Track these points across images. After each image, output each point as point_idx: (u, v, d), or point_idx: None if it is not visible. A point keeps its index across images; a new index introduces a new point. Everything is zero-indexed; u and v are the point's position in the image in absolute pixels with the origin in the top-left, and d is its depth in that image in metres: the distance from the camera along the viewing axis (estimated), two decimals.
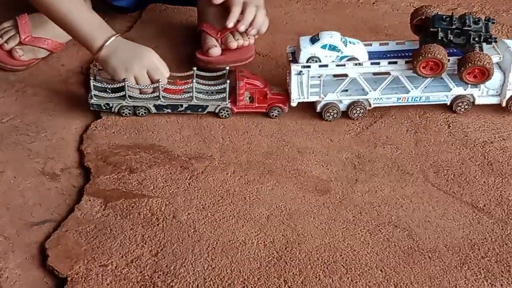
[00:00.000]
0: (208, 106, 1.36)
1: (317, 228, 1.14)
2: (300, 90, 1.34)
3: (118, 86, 1.34)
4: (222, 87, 1.35)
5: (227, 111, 1.36)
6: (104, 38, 1.34)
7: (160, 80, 1.34)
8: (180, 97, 1.36)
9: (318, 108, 1.37)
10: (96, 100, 1.35)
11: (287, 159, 1.28)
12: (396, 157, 1.28)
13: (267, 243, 1.11)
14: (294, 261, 1.08)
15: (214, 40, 1.49)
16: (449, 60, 1.30)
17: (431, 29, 1.30)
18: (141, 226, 1.13)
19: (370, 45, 1.37)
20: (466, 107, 1.36)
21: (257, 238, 1.12)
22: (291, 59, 1.35)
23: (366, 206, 1.18)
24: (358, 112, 1.36)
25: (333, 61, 1.31)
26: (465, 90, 1.35)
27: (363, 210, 1.17)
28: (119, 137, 1.32)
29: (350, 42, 1.33)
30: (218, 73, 1.39)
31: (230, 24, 1.45)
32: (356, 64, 1.32)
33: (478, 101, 1.37)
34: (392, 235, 1.12)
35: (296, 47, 1.35)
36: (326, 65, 1.32)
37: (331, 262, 1.08)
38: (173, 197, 1.19)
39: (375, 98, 1.36)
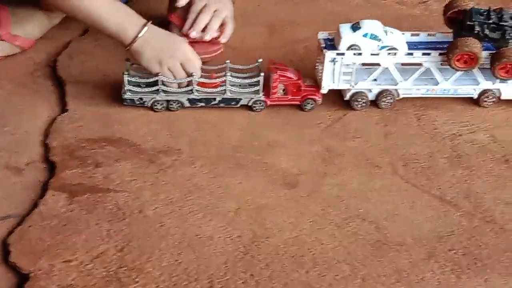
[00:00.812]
0: (241, 99, 1.35)
1: (285, 222, 1.13)
2: (332, 78, 1.34)
3: (151, 80, 1.33)
4: (256, 79, 1.34)
5: (260, 103, 1.35)
6: (137, 29, 1.31)
7: (194, 74, 1.33)
8: (213, 91, 1.35)
9: (347, 96, 1.36)
10: (130, 95, 1.34)
11: (257, 152, 1.27)
12: (366, 150, 1.28)
13: (235, 237, 1.10)
14: (261, 256, 1.07)
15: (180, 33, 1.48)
16: None
17: (468, 23, 1.30)
18: (106, 221, 1.12)
19: (403, 34, 1.37)
20: (493, 100, 1.37)
21: (225, 233, 1.11)
22: (323, 45, 1.34)
23: (334, 200, 1.17)
24: (388, 101, 1.35)
25: (373, 51, 1.31)
26: (493, 84, 1.35)
27: (332, 204, 1.17)
28: (87, 131, 1.30)
29: (390, 32, 1.33)
30: (251, 66, 1.38)
31: (185, 30, 1.43)
32: (389, 54, 1.32)
33: (505, 95, 1.37)
34: (360, 228, 1.12)
35: (335, 33, 1.35)
36: (360, 53, 1.31)
37: (299, 256, 1.07)
38: (140, 192, 1.17)
39: (405, 89, 1.35)
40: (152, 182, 1.20)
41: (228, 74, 1.34)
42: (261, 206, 1.16)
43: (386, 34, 1.32)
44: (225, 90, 1.34)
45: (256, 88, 1.35)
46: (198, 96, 1.35)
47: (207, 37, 1.43)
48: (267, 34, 1.60)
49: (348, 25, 1.34)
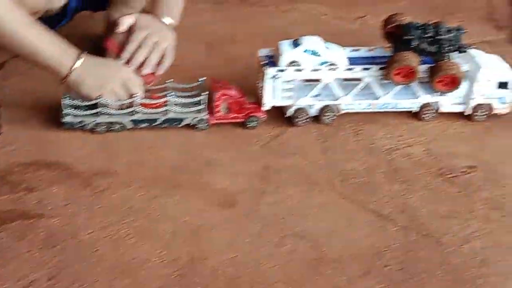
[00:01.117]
0: (185, 118, 1.34)
1: (222, 243, 1.12)
2: (273, 94, 1.33)
3: (92, 102, 1.31)
4: (199, 98, 1.33)
5: (204, 122, 1.34)
6: (72, 61, 1.28)
7: (135, 95, 1.31)
8: (156, 111, 1.33)
9: (288, 113, 1.36)
10: (69, 119, 1.31)
11: (194, 172, 1.26)
12: (304, 167, 1.28)
13: (171, 260, 1.08)
14: (197, 278, 1.06)
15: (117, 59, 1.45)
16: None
17: (405, 37, 1.31)
18: (38, 248, 1.08)
19: (343, 50, 1.37)
20: (433, 115, 1.38)
21: (160, 256, 1.09)
22: (264, 62, 1.34)
23: (272, 218, 1.17)
24: (329, 117, 1.36)
25: (313, 66, 1.32)
26: (432, 97, 1.37)
27: (269, 223, 1.16)
28: (20, 154, 1.27)
29: (330, 47, 1.34)
30: (193, 84, 1.37)
31: (123, 61, 1.40)
32: (330, 69, 1.32)
33: (444, 109, 1.38)
34: (297, 247, 1.12)
35: (274, 50, 1.35)
36: (301, 70, 1.31)
37: (235, 278, 1.06)
38: (74, 216, 1.15)
39: (346, 104, 1.36)
40: (87, 206, 1.17)
41: (171, 94, 1.33)
42: (198, 227, 1.14)
43: (327, 50, 1.33)
44: (167, 110, 1.33)
45: (199, 107, 1.34)
46: (140, 117, 1.33)
47: (144, 72, 1.40)
48: (205, 51, 1.59)
49: (288, 41, 1.34)
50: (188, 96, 1.35)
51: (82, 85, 1.29)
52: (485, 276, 1.07)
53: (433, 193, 1.22)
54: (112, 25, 1.47)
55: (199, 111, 1.34)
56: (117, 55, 1.42)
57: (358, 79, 1.35)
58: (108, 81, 1.30)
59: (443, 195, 1.22)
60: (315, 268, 1.08)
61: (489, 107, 1.38)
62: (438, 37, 1.31)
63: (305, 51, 1.32)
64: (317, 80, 1.34)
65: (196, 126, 1.34)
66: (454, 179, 1.25)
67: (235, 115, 1.35)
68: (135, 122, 1.33)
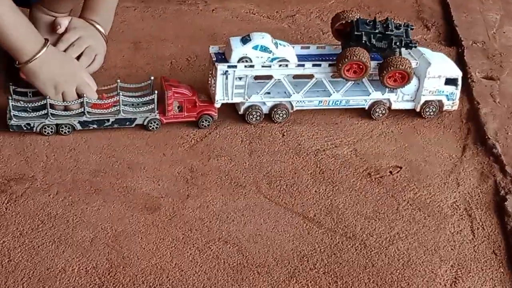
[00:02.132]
0: (136, 119, 1.29)
1: (144, 249, 1.08)
2: (225, 91, 1.31)
3: (39, 104, 1.25)
4: (150, 98, 1.29)
5: (156, 122, 1.30)
6: (37, 47, 1.23)
7: (84, 95, 1.26)
8: (106, 112, 1.28)
9: (242, 110, 1.34)
10: (16, 121, 1.25)
11: (116, 176, 1.22)
12: (230, 169, 1.25)
13: (89, 268, 1.04)
14: (117, 287, 1.02)
15: None
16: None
17: (355, 33, 1.31)
18: None
19: (292, 47, 1.35)
20: (383, 112, 1.38)
21: (79, 264, 1.05)
22: (215, 59, 1.31)
23: (196, 223, 1.14)
24: (281, 115, 1.34)
25: (264, 62, 1.29)
26: (383, 94, 1.37)
27: (193, 227, 1.13)
28: None
29: (280, 44, 1.32)
30: (143, 84, 1.33)
31: None
32: (281, 66, 1.30)
33: (394, 106, 1.39)
34: (221, 251, 1.09)
35: (224, 47, 1.32)
36: (252, 66, 1.29)
37: (157, 285, 1.03)
38: None
39: (298, 101, 1.34)
40: (1, 213, 1.12)
41: (121, 94, 1.28)
42: (119, 234, 1.11)
43: (277, 47, 1.31)
44: (118, 110, 1.28)
45: (150, 106, 1.30)
46: (89, 118, 1.28)
47: None
48: (132, 50, 1.55)
49: (238, 37, 1.32)
50: (139, 96, 1.32)
51: (39, 76, 1.25)
52: (409, 278, 1.06)
53: (358, 194, 1.21)
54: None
55: (150, 111, 1.30)
56: None
57: (308, 76, 1.34)
58: (64, 81, 1.26)
59: (369, 196, 1.21)
60: (239, 273, 1.05)
61: (438, 103, 1.39)
62: (388, 33, 1.31)
63: (255, 47, 1.30)
64: (268, 77, 1.32)
65: (149, 126, 1.31)
66: (380, 180, 1.25)
67: (188, 114, 1.32)
68: (84, 123, 1.28)
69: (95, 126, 1.29)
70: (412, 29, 1.35)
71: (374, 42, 1.32)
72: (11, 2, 1.23)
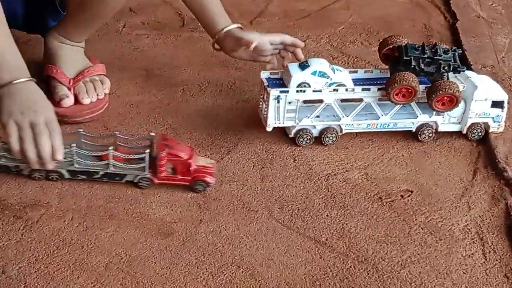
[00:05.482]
0: (126, 175, 1.25)
1: (157, 274, 1.10)
2: (277, 115, 1.33)
3: None
4: (142, 155, 1.23)
5: (146, 181, 1.25)
6: (17, 75, 1.17)
7: (73, 145, 1.22)
8: (96, 164, 1.24)
9: (292, 134, 1.37)
10: (4, 162, 1.24)
11: (130, 201, 1.23)
12: (242, 194, 1.26)
13: None
14: None
15: (65, 89, 1.41)
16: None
17: (405, 58, 1.33)
18: None
19: (348, 72, 1.39)
20: (430, 134, 1.40)
21: None
22: (266, 84, 1.35)
23: (209, 247, 1.15)
24: (331, 138, 1.37)
25: (322, 87, 1.33)
26: (430, 117, 1.38)
27: (206, 252, 1.14)
28: None
29: (337, 69, 1.36)
30: (141, 139, 1.30)
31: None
32: (332, 91, 1.33)
33: (441, 128, 1.41)
34: (234, 276, 1.10)
35: (283, 72, 1.37)
36: (304, 91, 1.32)
37: None
38: (3, 251, 1.11)
39: (347, 124, 1.37)
40: (17, 240, 1.13)
41: (111, 148, 1.23)
42: (133, 259, 1.12)
43: (334, 72, 1.35)
44: (109, 164, 1.24)
45: (142, 164, 1.24)
46: (78, 168, 1.24)
47: (86, 101, 1.42)
48: (144, 77, 1.57)
49: (296, 64, 1.36)
50: (132, 148, 1.28)
51: (3, 103, 1.16)
52: None
53: (370, 218, 1.22)
54: (51, 52, 1.44)
55: (141, 169, 1.25)
56: (63, 84, 1.41)
57: (357, 100, 1.36)
58: (22, 111, 1.15)
59: (381, 219, 1.22)
60: None
61: (484, 126, 1.40)
62: (436, 58, 1.34)
63: (313, 73, 1.33)
64: (318, 101, 1.35)
65: (140, 184, 1.26)
66: (392, 204, 1.26)
67: (181, 177, 1.24)
68: (73, 173, 1.25)
69: (84, 177, 1.25)
70: (460, 54, 1.37)
71: (423, 67, 1.35)
72: (5, 27, 1.19)
